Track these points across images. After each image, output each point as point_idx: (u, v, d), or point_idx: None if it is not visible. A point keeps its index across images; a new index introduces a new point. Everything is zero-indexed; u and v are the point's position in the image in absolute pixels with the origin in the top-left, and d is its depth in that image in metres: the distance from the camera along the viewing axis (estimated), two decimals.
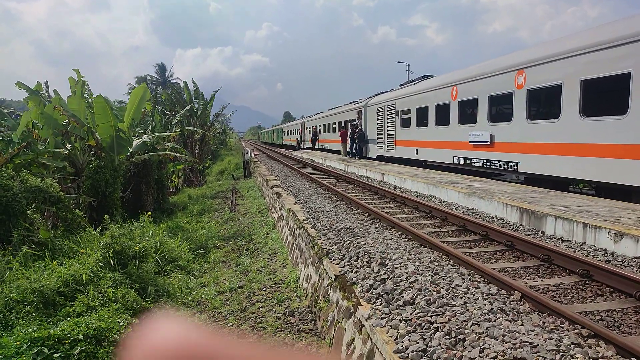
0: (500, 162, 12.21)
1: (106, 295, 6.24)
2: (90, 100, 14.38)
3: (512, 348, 2.99)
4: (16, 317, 5.67)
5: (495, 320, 3.47)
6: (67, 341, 4.97)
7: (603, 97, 9.27)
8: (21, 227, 8.74)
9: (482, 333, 3.24)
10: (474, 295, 4.08)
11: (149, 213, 9.88)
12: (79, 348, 4.93)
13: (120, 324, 5.60)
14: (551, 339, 3.15)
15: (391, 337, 3.41)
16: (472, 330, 3.30)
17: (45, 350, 4.79)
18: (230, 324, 5.91)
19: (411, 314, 3.70)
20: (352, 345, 4.04)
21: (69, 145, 13.15)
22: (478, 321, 3.44)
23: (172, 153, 16.52)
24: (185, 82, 30.14)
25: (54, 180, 10.61)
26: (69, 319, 5.55)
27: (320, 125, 36.44)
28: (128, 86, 67.45)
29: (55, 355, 4.79)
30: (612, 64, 8.58)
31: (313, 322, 5.61)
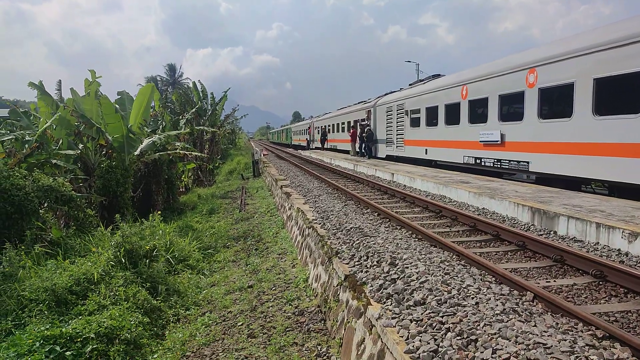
0: (511, 162, 12.10)
1: (117, 294, 6.29)
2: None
3: (525, 349, 2.95)
4: (29, 315, 5.74)
5: (507, 321, 3.43)
6: (79, 339, 5.02)
7: (616, 95, 9.13)
8: (33, 226, 8.84)
9: (495, 334, 3.21)
10: (485, 295, 4.04)
11: (159, 212, 9.94)
12: (91, 346, 4.97)
13: (132, 322, 5.64)
14: (565, 340, 3.10)
15: (402, 337, 3.38)
16: (484, 331, 3.26)
17: (58, 348, 4.84)
18: (240, 323, 5.93)
19: (422, 314, 3.67)
20: (363, 346, 4.02)
21: (81, 146, 13.28)
22: (490, 322, 3.40)
23: (182, 151, 16.62)
24: (194, 83, 30.25)
25: (66, 180, 10.72)
26: (80, 317, 5.61)
27: (329, 125, 36.42)
28: (138, 87, 68.06)
29: (67, 353, 4.84)
30: (625, 62, 8.45)
31: (323, 321, 5.59)
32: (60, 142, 13.22)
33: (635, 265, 5.23)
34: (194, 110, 25.96)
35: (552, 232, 6.96)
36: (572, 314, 3.74)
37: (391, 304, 3.99)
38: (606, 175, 9.08)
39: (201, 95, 30.21)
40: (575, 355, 2.88)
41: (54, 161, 12.09)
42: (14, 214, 8.62)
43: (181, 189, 23.53)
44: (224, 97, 31.47)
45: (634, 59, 8.24)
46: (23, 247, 7.89)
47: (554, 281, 4.91)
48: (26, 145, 11.86)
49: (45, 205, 9.81)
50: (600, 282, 4.81)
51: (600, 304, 4.31)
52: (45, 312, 5.78)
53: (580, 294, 4.54)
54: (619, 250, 5.79)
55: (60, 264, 7.28)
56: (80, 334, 5.08)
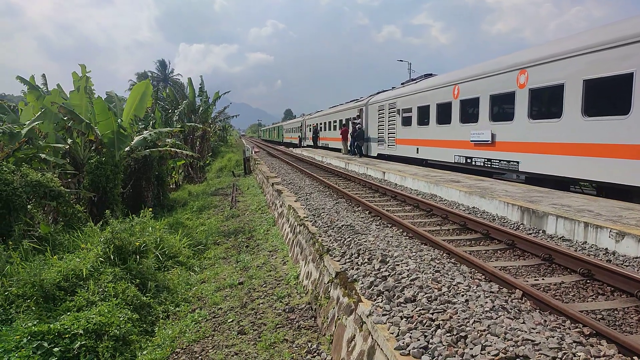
0: (502, 162, 12.19)
1: (106, 290, 6.24)
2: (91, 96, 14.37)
3: (514, 346, 2.98)
4: (16, 311, 5.67)
5: (496, 318, 3.46)
6: (67, 335, 4.97)
7: (605, 97, 9.24)
8: (21, 221, 8.74)
9: (484, 330, 3.24)
10: (475, 293, 4.07)
11: (150, 209, 9.87)
12: (79, 342, 4.93)
13: (121, 318, 5.60)
14: (553, 337, 3.14)
15: (392, 333, 3.40)
16: (474, 328, 3.29)
17: (45, 344, 4.79)
18: (230, 319, 5.91)
19: (412, 311, 3.69)
20: (353, 342, 4.03)
21: (70, 141, 13.14)
22: (480, 319, 3.43)
23: (172, 149, 16.51)
24: (189, 79, 29.96)
25: (55, 175, 10.61)
26: (69, 313, 5.55)
27: (321, 123, 36.41)
28: (129, 82, 67.44)
29: (55, 349, 4.79)
30: (614, 64, 8.55)
31: (313, 318, 5.60)
32: (48, 136, 13.06)
33: (622, 264, 5.30)
34: (183, 106, 25.74)
35: (541, 231, 7.03)
36: (560, 311, 3.79)
37: (382, 301, 4.01)
38: (595, 175, 9.19)
39: (197, 92, 29.94)
40: (563, 352, 2.92)
41: (42, 156, 11.94)
42: (2, 209, 8.51)
43: (171, 186, 23.38)
44: (216, 96, 31.32)
45: (624, 60, 8.34)
46: (11, 243, 7.79)
47: (543, 279, 4.96)
48: (15, 140, 11.70)
49: (34, 200, 9.69)
50: (588, 281, 4.87)
51: (587, 302, 4.37)
52: (33, 308, 5.71)
53: (568, 292, 4.59)
54: (606, 249, 5.87)
55: (49, 259, 7.20)
56: (68, 330, 5.03)
